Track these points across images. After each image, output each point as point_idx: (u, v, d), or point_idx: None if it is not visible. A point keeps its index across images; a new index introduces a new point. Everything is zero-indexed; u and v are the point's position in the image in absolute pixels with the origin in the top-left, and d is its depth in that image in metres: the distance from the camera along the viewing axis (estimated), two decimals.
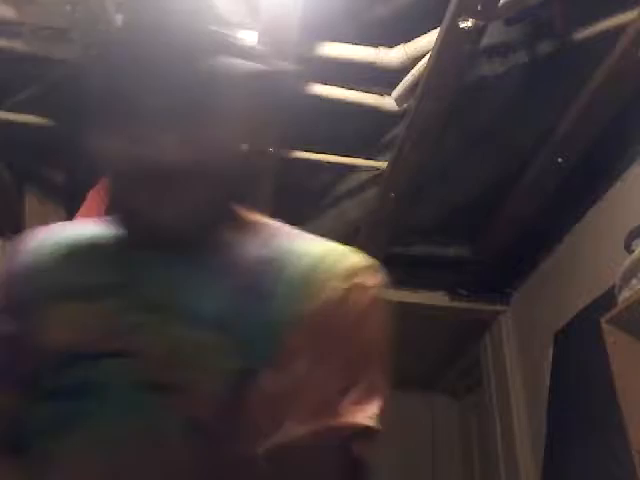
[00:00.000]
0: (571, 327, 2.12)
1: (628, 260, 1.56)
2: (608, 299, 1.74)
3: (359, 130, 2.13)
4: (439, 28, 1.60)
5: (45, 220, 2.22)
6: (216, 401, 0.59)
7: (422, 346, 3.25)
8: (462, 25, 1.51)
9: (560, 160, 1.92)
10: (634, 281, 1.52)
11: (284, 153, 2.02)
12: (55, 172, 2.28)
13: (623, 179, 1.95)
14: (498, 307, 2.73)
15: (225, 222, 0.72)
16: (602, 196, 2.04)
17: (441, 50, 1.60)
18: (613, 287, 1.65)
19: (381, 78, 1.91)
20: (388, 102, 1.93)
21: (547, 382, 2.21)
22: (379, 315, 0.71)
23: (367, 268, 0.72)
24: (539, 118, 1.96)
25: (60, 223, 0.88)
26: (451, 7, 1.51)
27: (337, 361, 0.65)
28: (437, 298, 2.70)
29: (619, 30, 1.61)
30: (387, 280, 0.74)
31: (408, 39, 1.79)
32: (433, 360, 3.43)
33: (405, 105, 1.91)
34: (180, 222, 0.65)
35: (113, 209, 0.73)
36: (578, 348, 2.04)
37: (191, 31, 0.67)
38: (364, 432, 0.62)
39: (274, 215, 2.51)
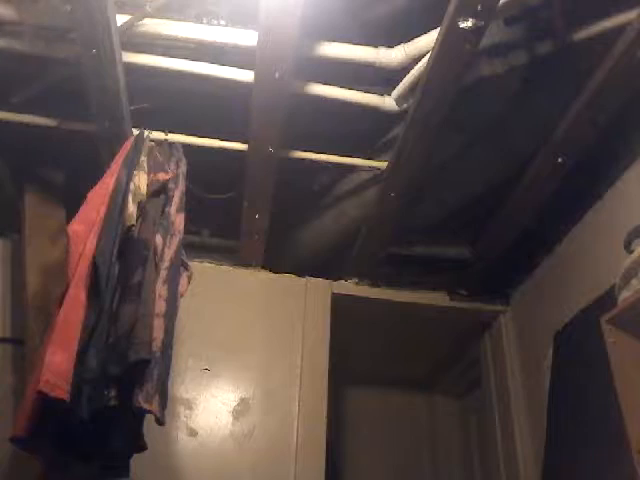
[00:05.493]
0: (571, 327, 2.12)
1: (628, 260, 1.56)
2: (608, 299, 1.74)
3: (359, 130, 2.13)
4: (439, 28, 1.60)
5: (45, 220, 2.22)
6: None
7: (422, 346, 3.26)
8: (462, 25, 1.51)
9: (560, 160, 1.92)
10: (634, 281, 1.51)
11: (284, 153, 2.02)
12: (55, 172, 2.29)
13: (623, 179, 1.95)
14: (498, 307, 2.73)
15: None
16: (602, 196, 2.04)
17: (441, 50, 1.60)
18: (613, 287, 1.65)
19: (381, 78, 1.92)
20: (388, 102, 1.93)
21: (547, 382, 2.21)
22: None
23: None
24: (539, 118, 1.96)
25: None
26: (451, 7, 1.51)
27: None
28: (437, 298, 2.71)
29: (619, 30, 1.61)
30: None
31: (408, 39, 1.79)
32: (433, 360, 3.43)
33: (405, 105, 1.91)
34: None
35: None
36: (578, 348, 2.04)
37: None
38: None
39: (274, 215, 2.52)
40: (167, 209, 1.72)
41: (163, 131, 1.94)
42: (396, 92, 1.90)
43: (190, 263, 1.83)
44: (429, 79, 1.68)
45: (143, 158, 1.76)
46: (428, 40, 1.72)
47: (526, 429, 2.44)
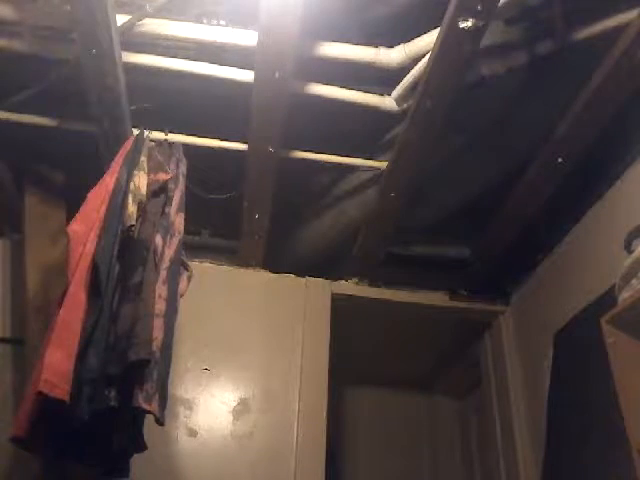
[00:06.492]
0: (571, 327, 2.12)
1: (628, 260, 1.56)
2: (608, 299, 1.74)
3: (359, 130, 2.13)
4: (439, 28, 1.60)
5: (45, 220, 2.22)
6: None
7: (422, 346, 3.26)
8: (462, 25, 1.51)
9: (560, 160, 1.92)
10: (634, 281, 1.51)
11: (284, 153, 2.02)
12: (55, 172, 2.29)
13: (623, 179, 1.95)
14: (498, 307, 2.73)
15: None
16: (602, 196, 2.04)
17: (441, 50, 1.60)
18: (613, 287, 1.65)
19: (381, 78, 1.91)
20: (388, 102, 1.93)
21: (547, 382, 2.21)
22: None
23: None
24: (539, 118, 1.96)
25: None
26: (451, 7, 1.51)
27: None
28: (437, 298, 2.71)
29: (619, 30, 1.62)
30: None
31: (408, 39, 1.79)
32: (433, 360, 3.43)
33: (405, 105, 1.91)
34: None
35: None
36: (578, 348, 2.04)
37: None
38: None
39: (274, 215, 2.52)
40: (167, 209, 1.72)
41: (163, 131, 1.94)
42: (396, 92, 1.90)
43: (190, 263, 1.83)
44: (429, 79, 1.68)
45: (143, 158, 1.76)
46: (428, 40, 1.72)
47: (526, 429, 2.44)
